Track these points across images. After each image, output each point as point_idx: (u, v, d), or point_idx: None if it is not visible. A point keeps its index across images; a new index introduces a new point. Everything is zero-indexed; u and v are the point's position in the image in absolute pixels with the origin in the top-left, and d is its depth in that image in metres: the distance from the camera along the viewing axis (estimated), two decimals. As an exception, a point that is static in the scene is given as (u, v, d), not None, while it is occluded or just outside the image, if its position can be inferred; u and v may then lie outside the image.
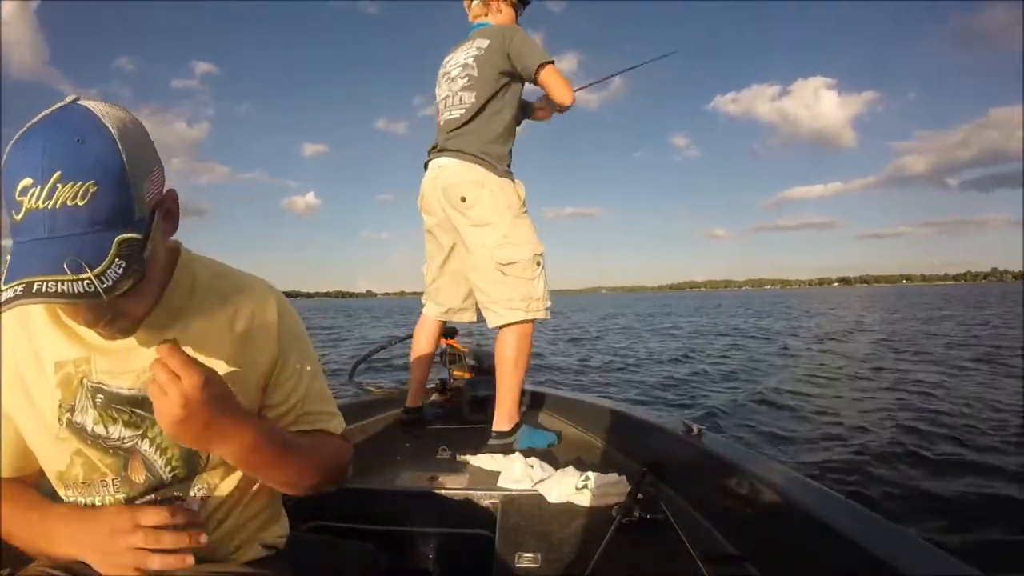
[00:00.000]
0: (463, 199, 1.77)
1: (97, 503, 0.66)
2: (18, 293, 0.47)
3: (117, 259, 0.51)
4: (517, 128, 1.95)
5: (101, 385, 0.64)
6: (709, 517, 1.17)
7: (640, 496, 1.20)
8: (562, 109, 1.92)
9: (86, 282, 0.49)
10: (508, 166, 1.86)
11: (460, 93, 1.84)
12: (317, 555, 0.92)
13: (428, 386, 2.24)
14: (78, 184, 0.49)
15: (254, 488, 0.73)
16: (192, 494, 0.67)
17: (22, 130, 0.51)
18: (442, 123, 1.89)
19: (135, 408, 0.64)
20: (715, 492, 1.21)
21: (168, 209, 0.60)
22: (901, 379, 5.37)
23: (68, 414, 0.64)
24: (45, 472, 0.68)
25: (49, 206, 0.48)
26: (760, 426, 3.77)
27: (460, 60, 1.87)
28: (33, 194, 0.48)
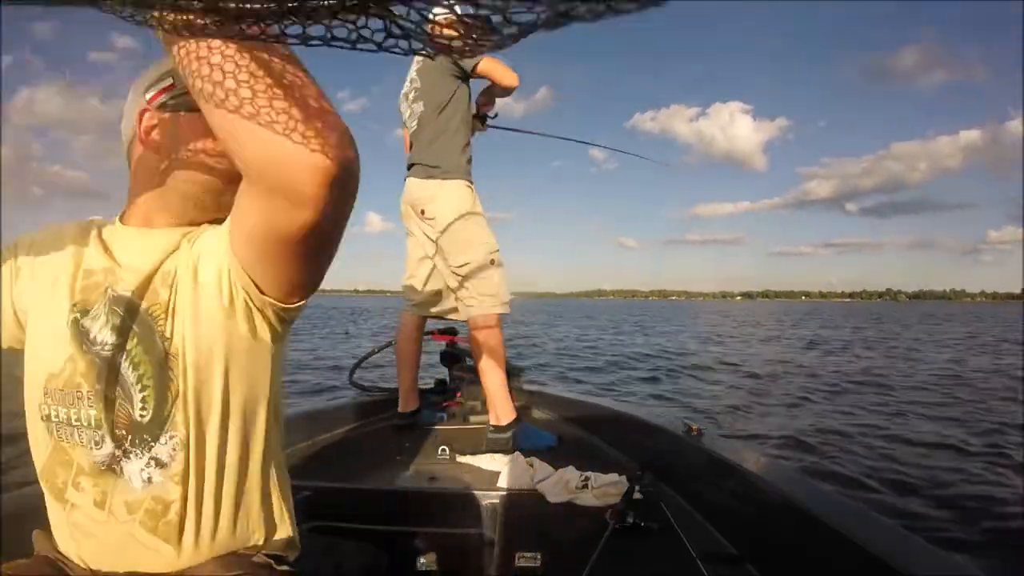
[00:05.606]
0: (423, 212, 1.90)
1: (72, 418, 0.63)
2: None
3: None
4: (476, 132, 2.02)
5: (122, 295, 0.64)
6: (709, 517, 1.17)
7: (640, 496, 1.20)
8: (509, 91, 1.96)
9: None
10: (466, 167, 1.92)
11: (412, 106, 1.94)
12: (317, 555, 0.92)
13: (423, 387, 2.23)
14: None
15: (248, 473, 0.65)
16: (163, 442, 0.62)
17: None
18: (409, 139, 2.00)
19: (130, 316, 0.63)
20: (715, 492, 1.21)
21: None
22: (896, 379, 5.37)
23: (78, 315, 0.64)
24: (30, 377, 0.66)
25: None
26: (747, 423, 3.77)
27: (410, 74, 1.98)
28: None
